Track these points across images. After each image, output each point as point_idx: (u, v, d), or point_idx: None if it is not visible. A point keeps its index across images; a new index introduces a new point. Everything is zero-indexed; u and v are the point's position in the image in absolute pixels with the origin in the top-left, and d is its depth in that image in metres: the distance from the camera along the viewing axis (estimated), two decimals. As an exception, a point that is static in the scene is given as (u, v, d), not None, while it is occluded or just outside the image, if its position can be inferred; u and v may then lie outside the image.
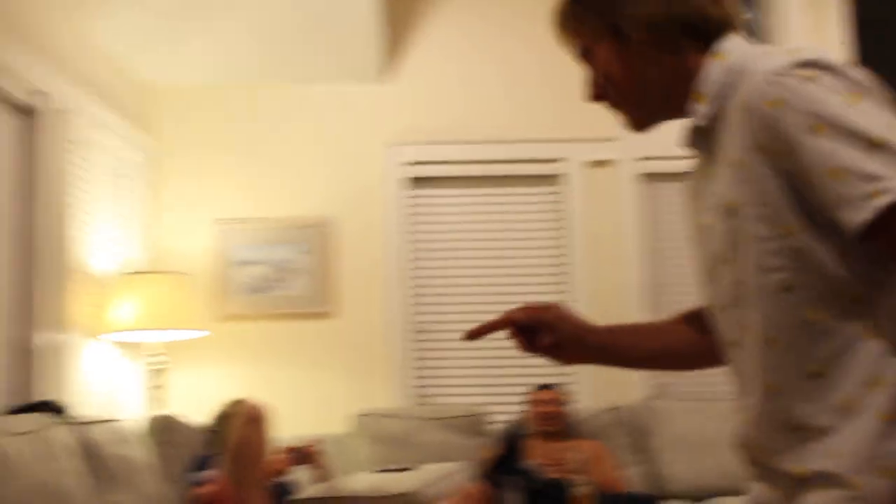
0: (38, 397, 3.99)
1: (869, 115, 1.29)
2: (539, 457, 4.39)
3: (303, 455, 4.15)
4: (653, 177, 5.42)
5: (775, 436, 1.40)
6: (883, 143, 1.25)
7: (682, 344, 1.69)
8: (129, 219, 5.13)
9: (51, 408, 3.69)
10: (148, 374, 4.98)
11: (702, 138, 1.48)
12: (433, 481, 4.18)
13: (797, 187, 1.32)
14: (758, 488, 1.47)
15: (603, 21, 1.51)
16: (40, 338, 4.11)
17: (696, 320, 1.65)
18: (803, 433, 1.36)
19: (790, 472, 1.38)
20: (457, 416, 5.04)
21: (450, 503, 3.24)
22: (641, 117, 1.56)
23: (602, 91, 1.55)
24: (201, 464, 4.20)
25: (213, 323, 5.15)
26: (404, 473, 4.18)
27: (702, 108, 1.45)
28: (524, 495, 3.01)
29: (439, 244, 5.47)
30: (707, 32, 1.48)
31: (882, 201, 1.24)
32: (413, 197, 5.47)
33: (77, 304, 4.42)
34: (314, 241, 5.35)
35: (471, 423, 5.02)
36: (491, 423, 5.06)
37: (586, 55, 1.56)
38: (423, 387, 5.36)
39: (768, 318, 1.38)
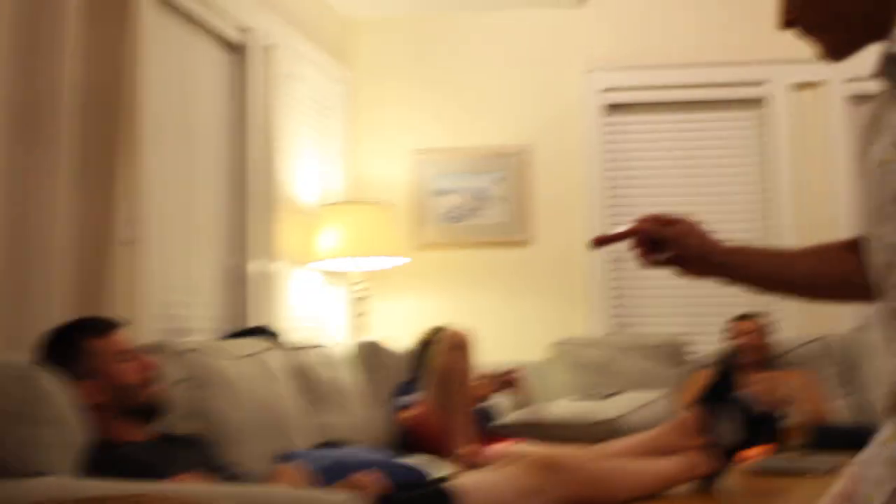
0: (250, 323, 4.16)
1: None
2: (748, 386, 4.30)
3: (504, 381, 4.19)
4: (863, 99, 5.14)
5: None
6: None
7: (830, 272, 1.56)
8: (330, 150, 5.25)
9: (265, 333, 3.84)
10: (351, 301, 5.13)
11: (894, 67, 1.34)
12: (635, 409, 4.16)
13: None
14: None
15: None
16: (252, 266, 4.28)
17: (856, 250, 1.51)
18: None
19: None
20: (656, 345, 4.98)
21: (662, 429, 3.21)
22: (838, 44, 1.43)
23: (796, 15, 1.43)
24: (406, 389, 4.30)
25: (412, 251, 5.24)
26: (606, 400, 4.18)
27: None
28: (738, 424, 2.95)
29: (637, 171, 5.37)
30: None
31: None
32: (610, 124, 5.38)
33: (285, 233, 4.58)
34: (511, 169, 5.34)
35: (670, 352, 4.96)
36: (691, 351, 4.99)
37: None
38: (622, 315, 5.32)
39: None
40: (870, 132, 1.41)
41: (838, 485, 1.50)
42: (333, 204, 4.97)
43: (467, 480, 2.76)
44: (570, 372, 4.91)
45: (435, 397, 3.85)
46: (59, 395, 2.38)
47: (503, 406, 4.32)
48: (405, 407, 4.22)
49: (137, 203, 3.26)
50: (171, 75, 3.76)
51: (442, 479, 2.79)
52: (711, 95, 5.33)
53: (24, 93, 2.67)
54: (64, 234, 2.78)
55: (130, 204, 3.22)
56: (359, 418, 4.04)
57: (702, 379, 4.50)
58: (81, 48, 2.90)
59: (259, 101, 4.35)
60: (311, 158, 4.99)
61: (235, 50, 4.29)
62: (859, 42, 1.41)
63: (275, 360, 3.59)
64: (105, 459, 2.38)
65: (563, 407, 4.30)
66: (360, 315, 4.94)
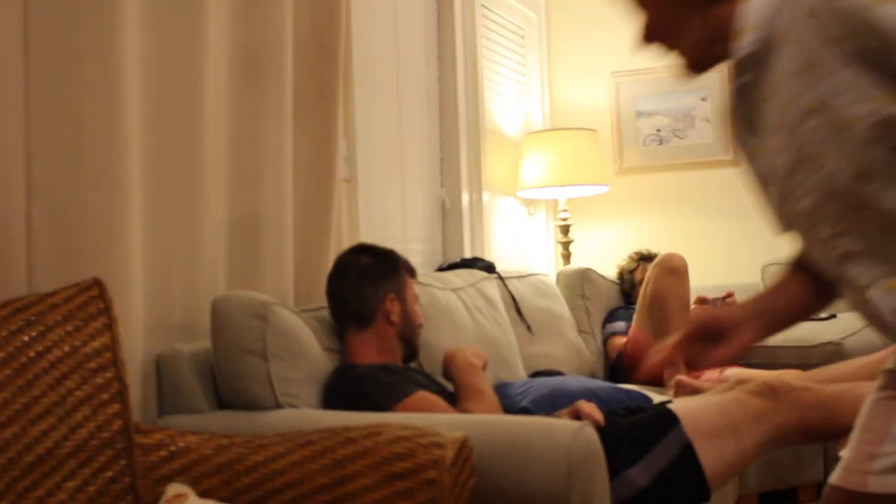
0: (461, 255, 4.21)
1: None
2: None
3: (721, 305, 4.11)
4: None
5: None
6: None
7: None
8: (530, 78, 5.22)
9: (480, 263, 3.88)
10: (555, 229, 5.13)
11: (748, 68, 1.42)
12: (857, 331, 4.01)
13: (880, 62, 1.26)
14: None
15: None
16: (462, 198, 4.32)
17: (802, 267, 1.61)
18: None
19: None
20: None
21: (888, 352, 3.07)
22: (692, 60, 1.56)
23: (652, 34, 1.56)
24: (617, 316, 4.28)
25: (613, 177, 5.17)
26: (827, 322, 4.04)
27: (747, 38, 1.40)
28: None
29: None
30: None
31: None
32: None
33: (491, 164, 4.60)
34: (715, 86, 5.15)
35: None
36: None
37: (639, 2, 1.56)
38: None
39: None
40: (744, 132, 1.50)
41: None
42: (535, 132, 4.95)
43: (691, 404, 2.71)
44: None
45: (649, 323, 3.81)
46: (298, 330, 2.46)
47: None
48: (617, 334, 4.20)
49: (353, 141, 3.34)
50: (379, 13, 3.80)
51: (665, 403, 2.76)
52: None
53: (250, 40, 2.75)
54: (290, 174, 2.87)
55: (348, 142, 3.31)
56: (571, 345, 4.05)
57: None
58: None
59: (461, 33, 4.36)
60: (511, 87, 4.98)
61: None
62: (710, 58, 1.52)
63: (491, 290, 3.63)
64: (347, 379, 2.48)
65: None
66: (563, 243, 4.94)
